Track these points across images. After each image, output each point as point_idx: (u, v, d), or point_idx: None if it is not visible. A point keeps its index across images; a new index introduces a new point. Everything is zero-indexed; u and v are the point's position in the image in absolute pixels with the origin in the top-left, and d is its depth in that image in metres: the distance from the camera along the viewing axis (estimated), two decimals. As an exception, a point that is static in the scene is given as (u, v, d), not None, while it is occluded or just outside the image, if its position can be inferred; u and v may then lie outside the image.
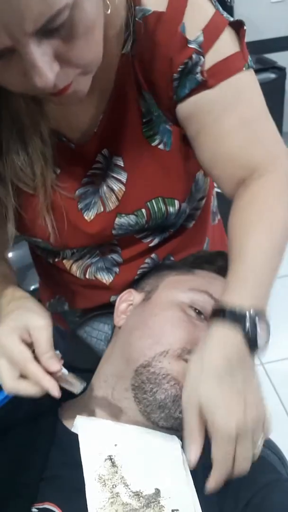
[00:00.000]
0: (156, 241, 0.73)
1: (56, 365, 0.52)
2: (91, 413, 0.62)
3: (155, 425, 0.59)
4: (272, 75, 2.46)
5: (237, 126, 0.59)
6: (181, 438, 0.58)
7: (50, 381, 0.51)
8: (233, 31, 0.57)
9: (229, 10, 2.45)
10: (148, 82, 0.58)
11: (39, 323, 0.54)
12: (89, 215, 0.67)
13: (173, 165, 0.64)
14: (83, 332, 0.81)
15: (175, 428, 0.58)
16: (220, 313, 0.52)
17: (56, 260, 0.77)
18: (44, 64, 0.42)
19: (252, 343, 0.51)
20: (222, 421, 0.48)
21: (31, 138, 0.59)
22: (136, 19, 0.55)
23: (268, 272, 0.55)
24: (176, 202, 0.67)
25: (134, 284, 0.76)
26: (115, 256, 0.74)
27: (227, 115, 0.58)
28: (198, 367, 0.50)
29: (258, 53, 2.56)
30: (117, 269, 0.75)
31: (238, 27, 0.57)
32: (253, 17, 2.49)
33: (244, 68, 0.57)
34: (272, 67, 2.49)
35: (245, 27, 0.57)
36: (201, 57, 0.55)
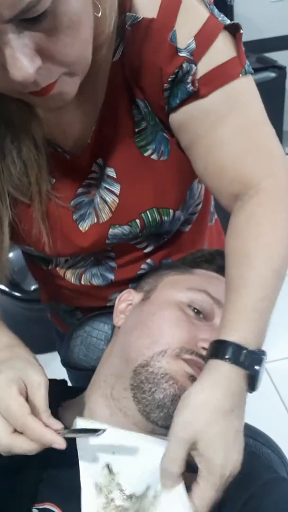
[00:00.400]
0: (151, 247, 0.72)
1: (57, 424, 0.50)
2: (91, 413, 0.62)
3: (155, 425, 0.59)
4: (272, 74, 2.46)
5: (230, 137, 0.56)
6: None
7: (53, 433, 0.48)
8: (229, 35, 0.54)
9: (229, 9, 2.44)
10: (141, 90, 0.56)
11: (37, 379, 0.51)
12: (83, 226, 0.66)
13: (167, 175, 0.63)
14: (83, 331, 0.81)
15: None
16: (224, 348, 0.50)
17: (50, 267, 0.76)
18: (24, 56, 0.40)
19: (253, 384, 0.50)
20: (220, 461, 0.47)
21: (24, 143, 0.57)
22: (126, 26, 0.53)
23: (269, 304, 0.52)
24: (171, 211, 0.66)
25: (133, 283, 0.76)
26: (109, 262, 0.73)
27: (220, 125, 0.55)
28: (198, 402, 0.49)
29: (258, 52, 2.55)
30: (112, 276, 0.74)
31: (234, 30, 0.54)
32: (253, 16, 2.48)
33: (240, 75, 0.54)
34: (272, 66, 2.49)
35: (241, 31, 0.54)
36: (193, 65, 0.53)
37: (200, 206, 0.76)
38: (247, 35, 0.57)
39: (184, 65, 0.52)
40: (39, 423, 0.48)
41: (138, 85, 0.56)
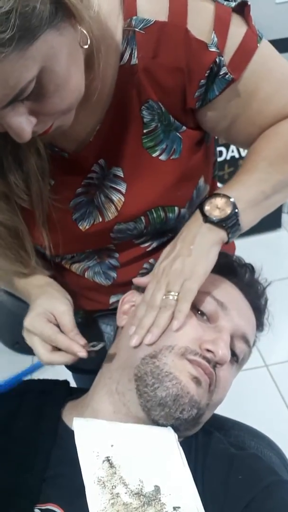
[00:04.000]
0: (154, 245, 0.73)
1: (82, 339, 0.62)
2: (94, 413, 0.62)
3: (155, 424, 0.59)
4: (277, 76, 2.46)
5: (267, 100, 0.60)
6: (176, 430, 0.58)
7: (78, 345, 0.61)
8: (236, 14, 0.57)
9: (234, 11, 2.44)
10: (158, 92, 0.57)
11: (62, 308, 0.65)
12: (84, 225, 0.67)
13: (175, 173, 0.64)
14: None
15: (176, 428, 0.59)
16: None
17: (57, 260, 0.77)
18: (20, 124, 0.46)
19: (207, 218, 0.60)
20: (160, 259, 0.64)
21: (27, 153, 0.58)
22: (137, 30, 0.54)
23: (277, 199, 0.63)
24: (176, 209, 0.67)
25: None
26: (112, 261, 0.74)
27: (256, 95, 0.60)
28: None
29: (263, 54, 2.55)
30: (114, 274, 0.75)
31: (241, 7, 0.57)
32: (257, 18, 2.46)
33: (258, 44, 0.58)
34: (277, 68, 2.49)
35: (249, 3, 0.57)
36: (221, 57, 0.55)
37: None
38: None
39: (217, 59, 0.55)
40: (66, 338, 0.62)
41: (155, 87, 0.57)
